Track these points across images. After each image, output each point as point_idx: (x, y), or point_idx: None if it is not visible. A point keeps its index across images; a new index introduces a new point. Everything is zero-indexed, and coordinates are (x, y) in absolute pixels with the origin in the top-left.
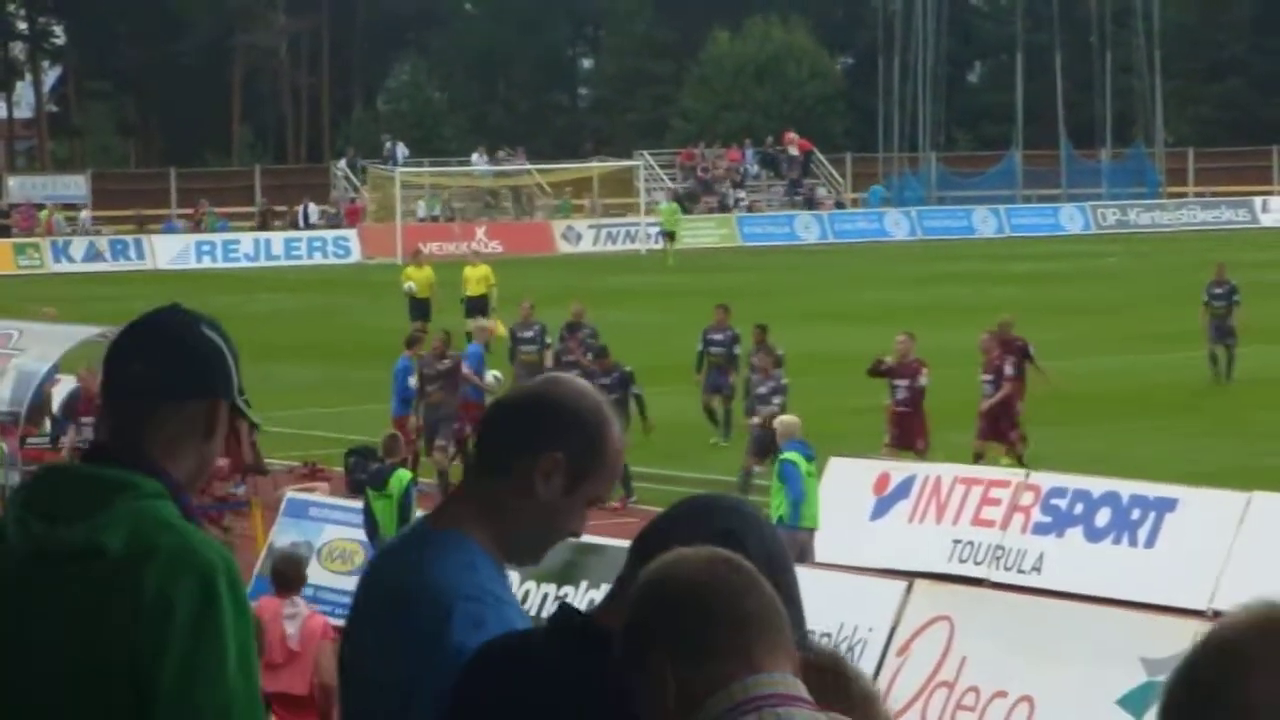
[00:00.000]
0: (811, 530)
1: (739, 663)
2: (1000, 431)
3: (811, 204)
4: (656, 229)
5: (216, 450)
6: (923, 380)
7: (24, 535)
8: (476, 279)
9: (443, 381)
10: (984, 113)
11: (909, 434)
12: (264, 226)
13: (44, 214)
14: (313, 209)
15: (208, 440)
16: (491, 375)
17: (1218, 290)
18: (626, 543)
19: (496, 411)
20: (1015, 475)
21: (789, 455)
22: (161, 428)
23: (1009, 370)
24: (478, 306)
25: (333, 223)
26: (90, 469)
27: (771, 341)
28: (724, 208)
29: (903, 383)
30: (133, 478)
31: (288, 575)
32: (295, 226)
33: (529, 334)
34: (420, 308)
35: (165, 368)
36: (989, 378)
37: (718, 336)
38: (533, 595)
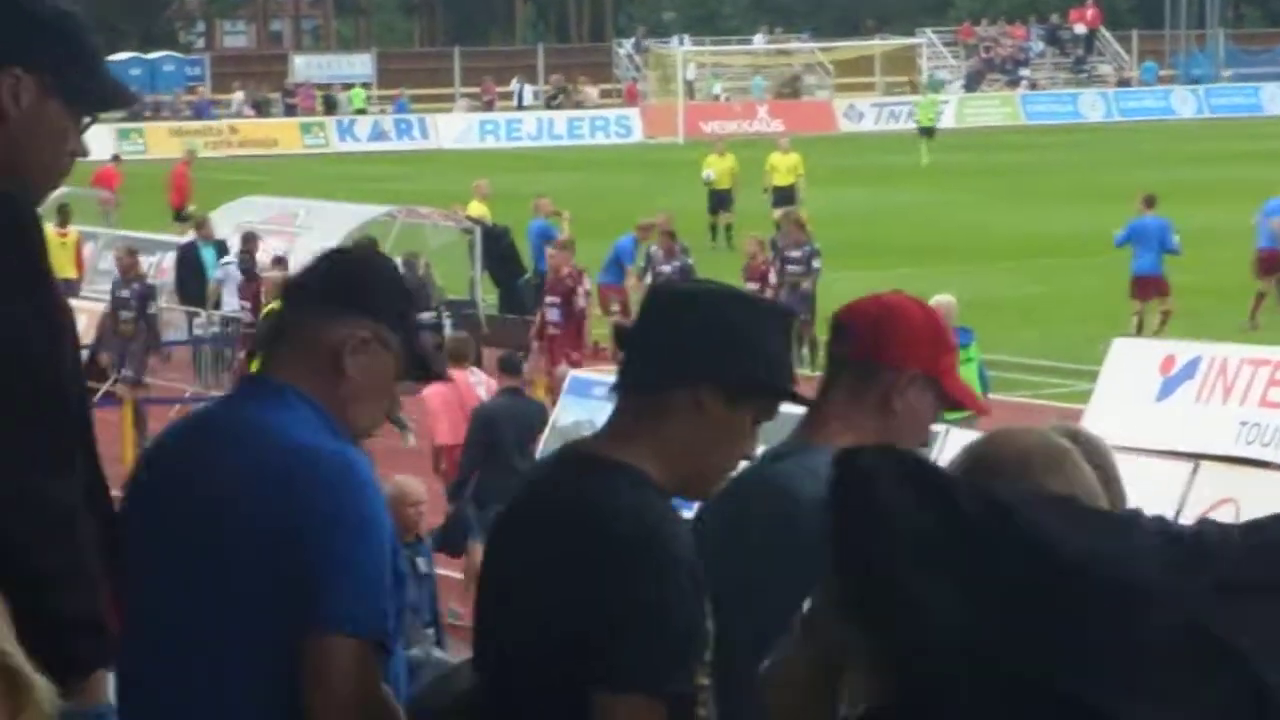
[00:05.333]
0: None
1: None
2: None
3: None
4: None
5: None
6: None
7: None
8: (786, 168)
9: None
10: None
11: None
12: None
13: (350, 95)
14: (528, 90)
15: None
16: None
17: None
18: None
19: None
20: None
21: None
22: None
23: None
24: (786, 197)
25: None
26: None
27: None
28: (1010, 85)
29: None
30: None
31: (459, 353)
32: (514, 107)
33: (796, 254)
34: (720, 199)
35: None
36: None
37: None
38: None
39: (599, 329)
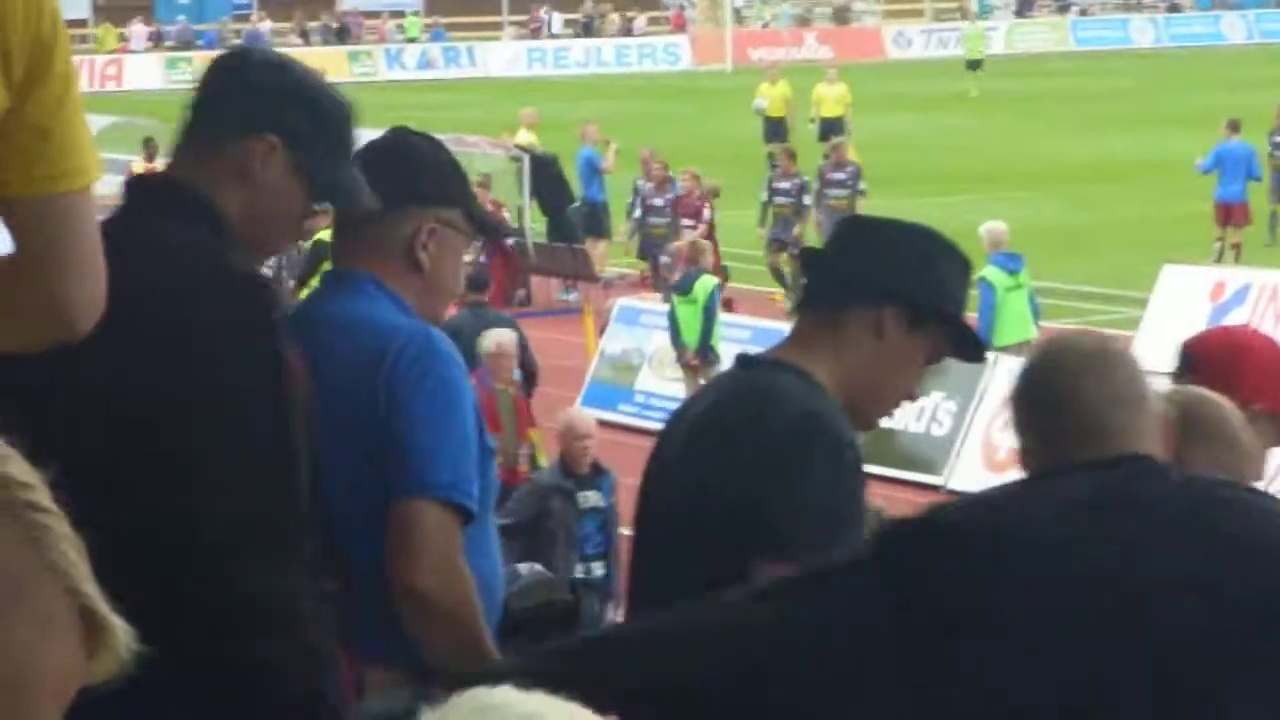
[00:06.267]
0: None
1: None
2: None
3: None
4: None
5: None
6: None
7: None
8: (833, 99)
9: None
10: None
11: None
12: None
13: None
14: (556, 18)
15: None
16: None
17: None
18: None
19: None
20: None
21: (984, 272)
22: None
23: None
24: (834, 128)
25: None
26: None
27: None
28: (1059, 11)
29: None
30: None
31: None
32: (539, 35)
33: (840, 175)
34: (774, 128)
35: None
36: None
37: (785, 185)
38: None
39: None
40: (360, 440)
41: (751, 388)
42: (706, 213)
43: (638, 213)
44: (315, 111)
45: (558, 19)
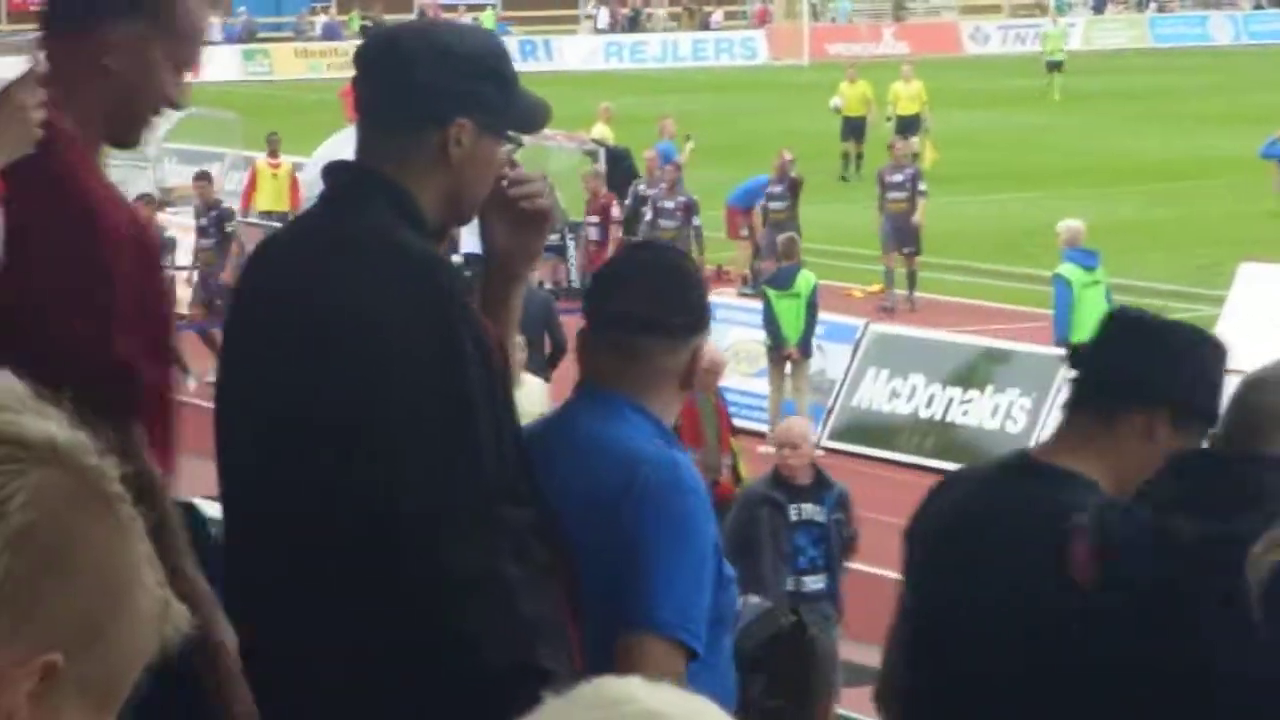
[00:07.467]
0: None
1: None
2: None
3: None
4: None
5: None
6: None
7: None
8: (908, 96)
9: None
10: None
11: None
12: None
13: (484, 15)
14: (603, 13)
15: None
16: None
17: None
18: (1036, 348)
19: None
20: None
21: (1060, 269)
22: None
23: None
24: (910, 125)
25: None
26: None
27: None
28: (1138, 7)
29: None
30: None
31: None
32: (615, 29)
33: (899, 178)
34: (853, 127)
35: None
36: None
37: (777, 189)
38: (937, 399)
39: (727, 251)
40: (597, 563)
41: (1048, 507)
42: (615, 211)
43: (649, 216)
44: (487, 76)
45: (604, 14)
